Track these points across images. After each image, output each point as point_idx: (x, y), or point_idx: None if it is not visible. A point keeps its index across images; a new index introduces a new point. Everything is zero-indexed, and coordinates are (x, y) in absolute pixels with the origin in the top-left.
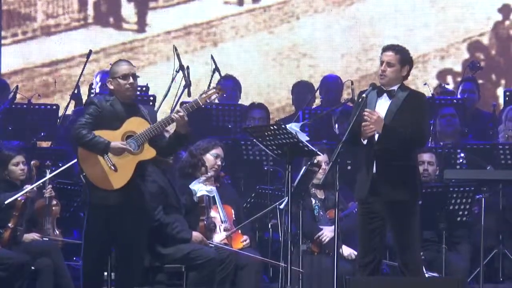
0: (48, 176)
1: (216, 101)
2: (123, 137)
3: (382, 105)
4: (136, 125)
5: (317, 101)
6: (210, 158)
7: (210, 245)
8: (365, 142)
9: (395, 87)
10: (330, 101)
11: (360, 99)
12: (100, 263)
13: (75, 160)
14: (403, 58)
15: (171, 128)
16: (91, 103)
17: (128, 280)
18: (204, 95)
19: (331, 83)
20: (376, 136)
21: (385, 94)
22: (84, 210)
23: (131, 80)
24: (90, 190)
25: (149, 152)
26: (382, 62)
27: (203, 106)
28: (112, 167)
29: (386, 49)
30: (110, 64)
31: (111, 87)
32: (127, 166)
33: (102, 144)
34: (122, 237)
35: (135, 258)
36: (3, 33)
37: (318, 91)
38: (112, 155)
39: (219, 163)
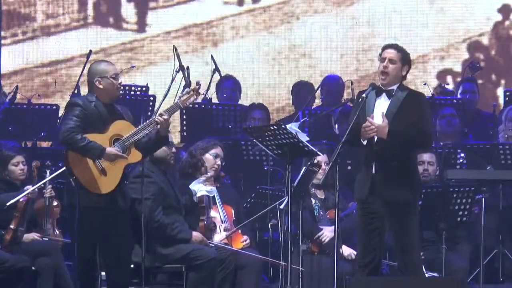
0: (50, 176)
1: (198, 100)
2: (110, 141)
3: (381, 105)
4: (122, 128)
5: (317, 101)
6: (209, 158)
7: (210, 245)
8: (365, 142)
9: (394, 87)
10: (331, 102)
11: (360, 99)
12: (92, 264)
13: None
14: (404, 58)
15: None
16: (76, 105)
17: (119, 281)
18: (183, 98)
19: (332, 84)
20: (376, 137)
21: (384, 94)
22: (72, 212)
23: (120, 80)
24: (80, 193)
25: (135, 156)
26: (383, 59)
27: (183, 107)
28: (102, 172)
29: (387, 47)
30: None
31: (101, 86)
32: (115, 170)
33: (97, 150)
34: (110, 238)
35: (125, 259)
36: (2, 33)
37: (318, 91)
38: (103, 160)
39: (219, 162)
